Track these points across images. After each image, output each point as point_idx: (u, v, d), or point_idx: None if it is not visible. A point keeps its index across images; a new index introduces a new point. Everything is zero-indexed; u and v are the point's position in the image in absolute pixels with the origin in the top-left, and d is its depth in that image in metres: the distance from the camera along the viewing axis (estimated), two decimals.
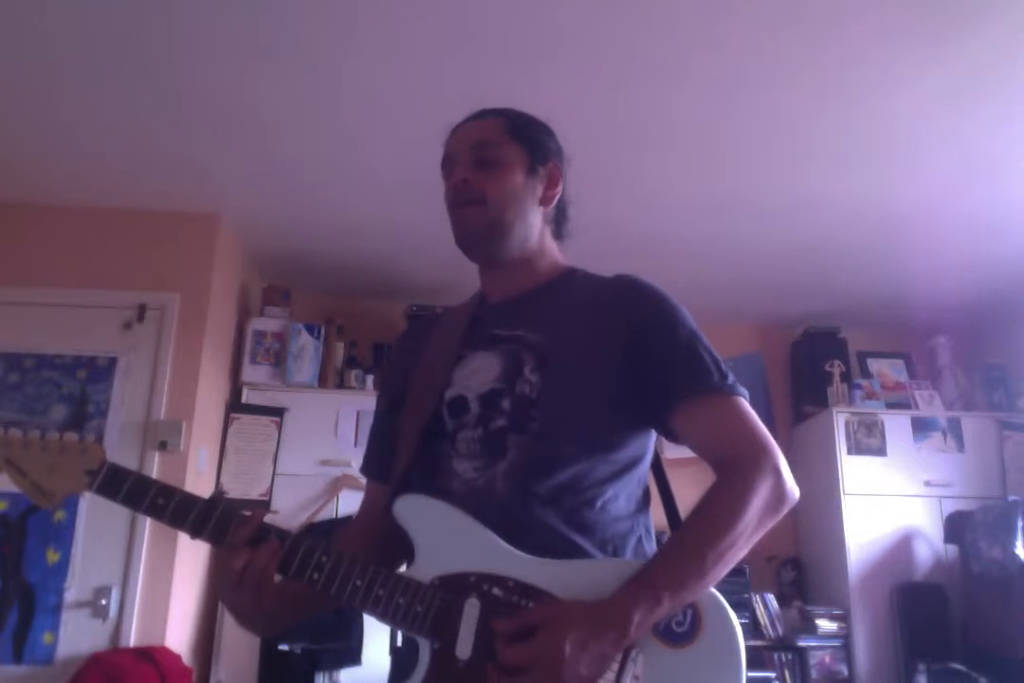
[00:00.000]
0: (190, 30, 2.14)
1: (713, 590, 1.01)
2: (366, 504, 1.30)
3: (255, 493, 3.35)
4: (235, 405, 3.46)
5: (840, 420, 3.74)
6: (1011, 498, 3.44)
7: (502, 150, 1.19)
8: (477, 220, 1.17)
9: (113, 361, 3.01)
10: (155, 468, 2.89)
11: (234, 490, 3.32)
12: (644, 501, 1.16)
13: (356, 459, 3.46)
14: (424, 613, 0.99)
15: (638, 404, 1.10)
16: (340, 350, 3.73)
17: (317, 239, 3.50)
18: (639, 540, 1.11)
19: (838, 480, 3.65)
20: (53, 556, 2.78)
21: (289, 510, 3.35)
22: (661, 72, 2.30)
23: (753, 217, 3.17)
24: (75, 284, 3.05)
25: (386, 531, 1.13)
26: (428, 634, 0.98)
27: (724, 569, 1.00)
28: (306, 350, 3.59)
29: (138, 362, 3.01)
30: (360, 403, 3.59)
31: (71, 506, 2.82)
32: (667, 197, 3.05)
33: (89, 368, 2.99)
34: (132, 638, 2.72)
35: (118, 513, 2.82)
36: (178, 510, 1.03)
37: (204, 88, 2.40)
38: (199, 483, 3.10)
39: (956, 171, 2.81)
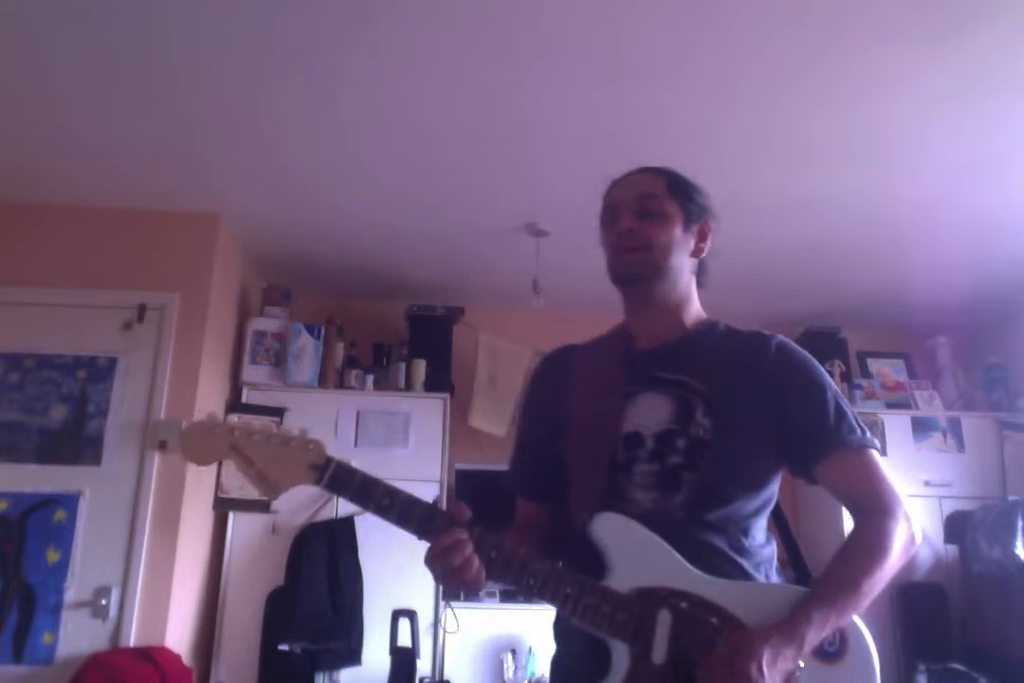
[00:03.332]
0: (190, 31, 2.14)
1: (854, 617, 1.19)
2: (521, 520, 1.44)
3: (255, 493, 3.34)
4: (235, 405, 3.46)
5: None
6: (1011, 498, 3.45)
7: (664, 204, 1.34)
8: (642, 263, 1.31)
9: (113, 361, 3.01)
10: (155, 468, 2.89)
11: (234, 490, 3.32)
12: (770, 532, 1.34)
13: (356, 459, 3.48)
14: (626, 621, 1.13)
15: (787, 452, 1.29)
16: (340, 350, 3.73)
17: (317, 239, 3.50)
18: (777, 566, 1.30)
19: None
20: (53, 556, 2.78)
21: (289, 510, 3.36)
22: (659, 72, 2.30)
23: (753, 217, 3.16)
24: (75, 284, 3.06)
25: (537, 544, 1.31)
26: (629, 639, 1.13)
27: (870, 599, 1.19)
28: (306, 350, 3.59)
29: (138, 362, 3.01)
30: (360, 403, 3.59)
31: (71, 506, 2.82)
32: None
33: (89, 368, 2.99)
34: (132, 638, 2.72)
35: (118, 513, 2.83)
36: (403, 512, 1.17)
37: (204, 89, 2.40)
38: (199, 483, 3.10)
39: (956, 171, 2.80)
